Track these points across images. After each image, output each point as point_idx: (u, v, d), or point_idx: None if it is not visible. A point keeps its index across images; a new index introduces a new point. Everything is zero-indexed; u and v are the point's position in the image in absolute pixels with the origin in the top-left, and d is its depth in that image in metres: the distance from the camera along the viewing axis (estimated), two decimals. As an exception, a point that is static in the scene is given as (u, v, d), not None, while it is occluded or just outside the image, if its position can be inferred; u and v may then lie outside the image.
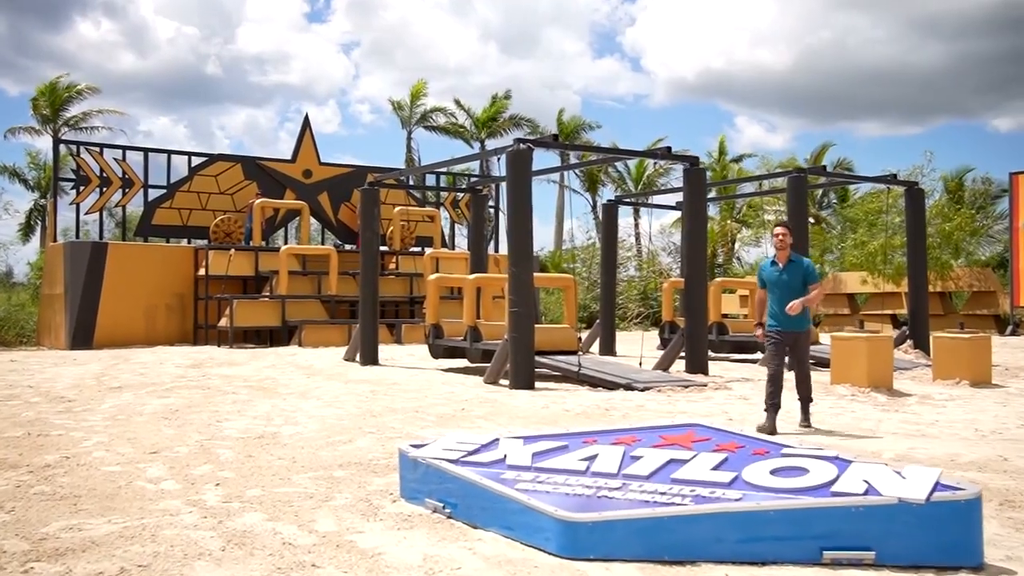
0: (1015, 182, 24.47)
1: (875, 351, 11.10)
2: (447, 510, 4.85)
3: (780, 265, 8.25)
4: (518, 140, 12.28)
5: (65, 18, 74.46)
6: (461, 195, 26.52)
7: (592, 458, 4.78)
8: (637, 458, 4.70)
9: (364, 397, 10.61)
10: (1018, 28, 73.72)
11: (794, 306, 7.94)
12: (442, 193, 27.42)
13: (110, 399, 10.36)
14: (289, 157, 25.00)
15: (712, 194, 25.78)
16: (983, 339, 12.46)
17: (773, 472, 4.32)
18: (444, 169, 27.17)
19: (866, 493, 3.98)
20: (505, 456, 4.95)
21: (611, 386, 11.56)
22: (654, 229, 40.85)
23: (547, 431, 5.49)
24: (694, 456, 4.64)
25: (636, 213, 40.43)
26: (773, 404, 8.05)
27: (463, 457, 5.03)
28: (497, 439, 5.25)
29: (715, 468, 4.46)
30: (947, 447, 7.22)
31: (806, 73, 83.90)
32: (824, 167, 17.79)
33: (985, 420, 8.89)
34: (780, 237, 8.31)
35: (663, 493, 4.24)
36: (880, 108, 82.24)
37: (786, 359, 8.32)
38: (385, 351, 17.83)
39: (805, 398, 8.38)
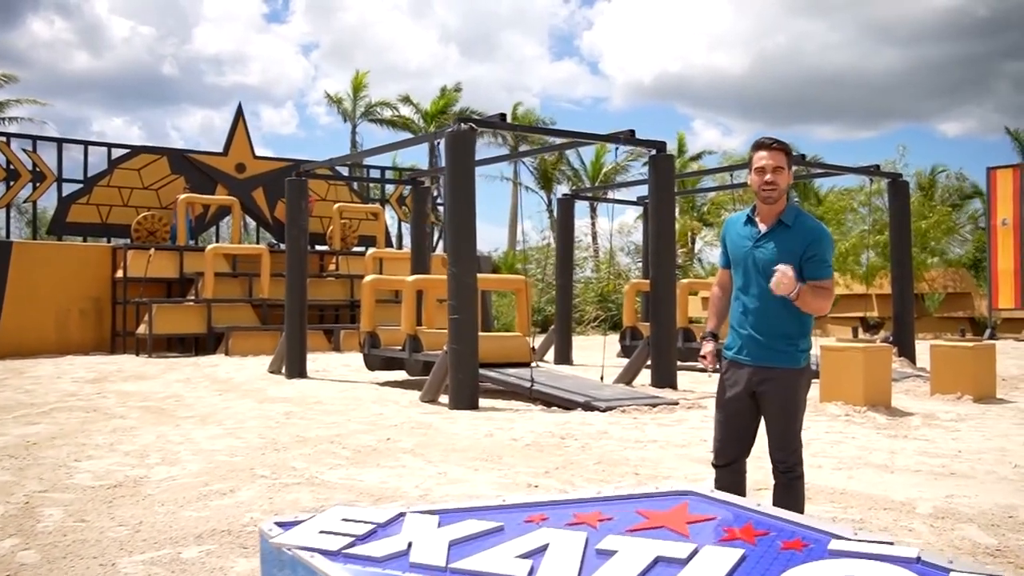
0: (992, 177, 23.28)
1: (872, 364, 9.60)
2: (320, 631, 3.19)
3: (761, 227, 3.99)
4: (459, 119, 10.58)
5: (16, 15, 71.16)
6: (408, 191, 24.84)
7: (539, 552, 3.13)
8: (607, 554, 3.07)
9: (275, 422, 8.90)
10: (968, 35, 73.97)
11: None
12: (388, 190, 25.67)
13: (-36, 427, 8.55)
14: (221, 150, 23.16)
15: (675, 189, 24.45)
16: (987, 348, 11.03)
17: (825, 588, 2.71)
18: (389, 164, 25.50)
19: (993, 639, 2.39)
20: (409, 546, 3.29)
21: (568, 405, 9.96)
22: (612, 228, 39.23)
23: (473, 503, 3.85)
24: (694, 551, 3.02)
25: (593, 210, 38.91)
26: None
27: (347, 547, 3.35)
28: (402, 515, 3.59)
29: (731, 574, 2.84)
30: (993, 494, 5.70)
31: (762, 77, 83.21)
32: (804, 156, 16.36)
33: (1015, 450, 7.42)
34: (768, 175, 3.89)
35: (652, 628, 2.62)
36: (835, 112, 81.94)
37: (756, 428, 4.10)
38: (320, 360, 16.16)
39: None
